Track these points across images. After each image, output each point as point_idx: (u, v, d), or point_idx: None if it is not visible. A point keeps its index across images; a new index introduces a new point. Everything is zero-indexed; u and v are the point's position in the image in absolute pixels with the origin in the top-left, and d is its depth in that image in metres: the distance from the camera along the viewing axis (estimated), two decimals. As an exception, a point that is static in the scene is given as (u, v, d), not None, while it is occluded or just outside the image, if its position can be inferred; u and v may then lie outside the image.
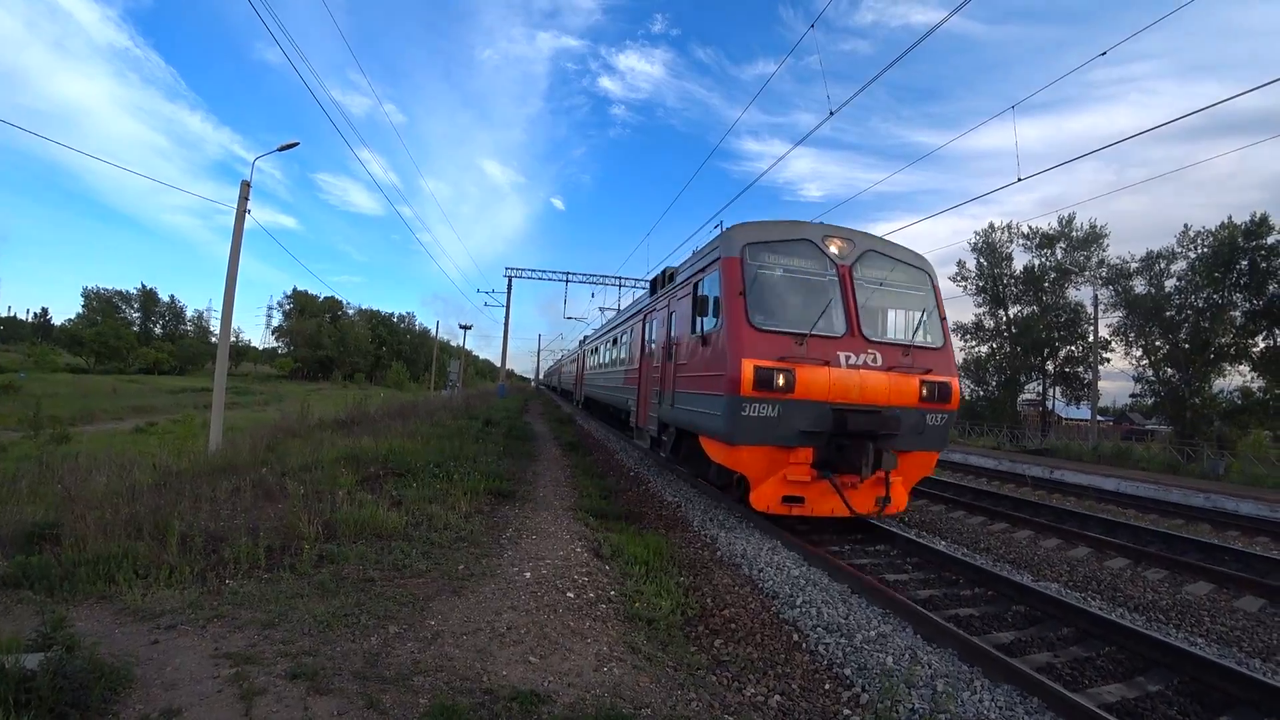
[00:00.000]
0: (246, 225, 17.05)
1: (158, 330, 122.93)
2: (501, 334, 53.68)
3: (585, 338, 36.50)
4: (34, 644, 3.84)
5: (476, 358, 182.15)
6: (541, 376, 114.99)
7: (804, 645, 5.03)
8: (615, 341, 21.08)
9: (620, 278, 49.80)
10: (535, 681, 4.20)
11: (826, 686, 4.49)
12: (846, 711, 4.20)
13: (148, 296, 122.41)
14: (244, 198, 17.01)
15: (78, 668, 3.52)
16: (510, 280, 51.53)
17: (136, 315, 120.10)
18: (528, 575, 6.21)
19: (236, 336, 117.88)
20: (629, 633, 5.11)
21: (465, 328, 57.45)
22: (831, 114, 11.09)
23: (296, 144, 18.51)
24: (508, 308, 52.84)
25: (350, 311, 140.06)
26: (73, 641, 3.76)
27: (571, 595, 5.78)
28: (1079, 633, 5.69)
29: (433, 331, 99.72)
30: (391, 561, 6.25)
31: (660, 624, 5.28)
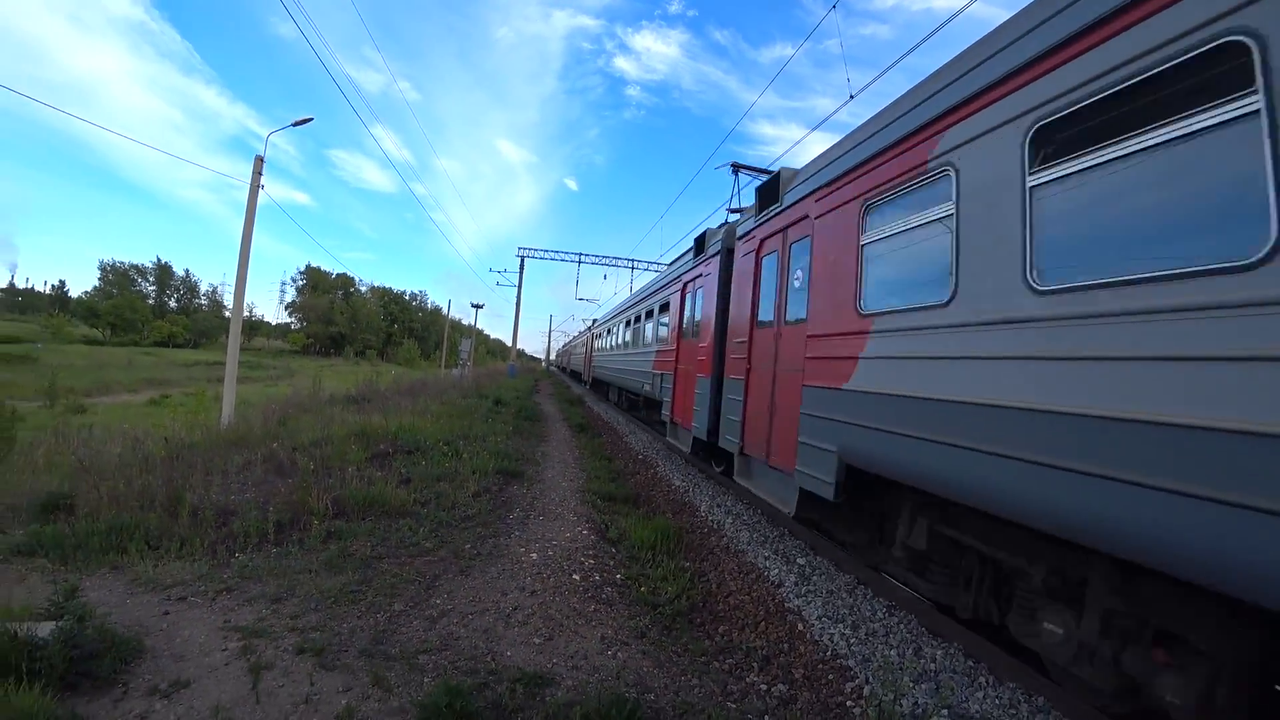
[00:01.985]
0: (260, 200, 17.07)
1: (172, 304, 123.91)
2: (513, 313, 53.86)
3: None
4: (46, 613, 3.89)
5: (488, 337, 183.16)
6: (553, 357, 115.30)
7: (808, 635, 5.02)
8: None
9: (633, 260, 49.63)
10: (540, 663, 4.22)
11: (830, 678, 4.48)
12: (849, 703, 4.20)
13: (163, 270, 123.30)
14: (257, 173, 17.00)
15: (89, 637, 3.56)
16: (523, 260, 51.51)
17: (152, 289, 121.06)
18: (534, 556, 6.23)
19: (250, 311, 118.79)
20: (634, 617, 5.12)
21: (477, 306, 57.31)
22: (851, 98, 10.90)
23: (310, 120, 18.47)
24: (519, 287, 52.91)
25: (363, 288, 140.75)
26: (84, 611, 3.80)
27: (577, 578, 5.80)
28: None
29: (444, 310, 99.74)
30: (399, 539, 6.29)
31: (665, 609, 5.29)
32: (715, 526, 7.95)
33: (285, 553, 5.77)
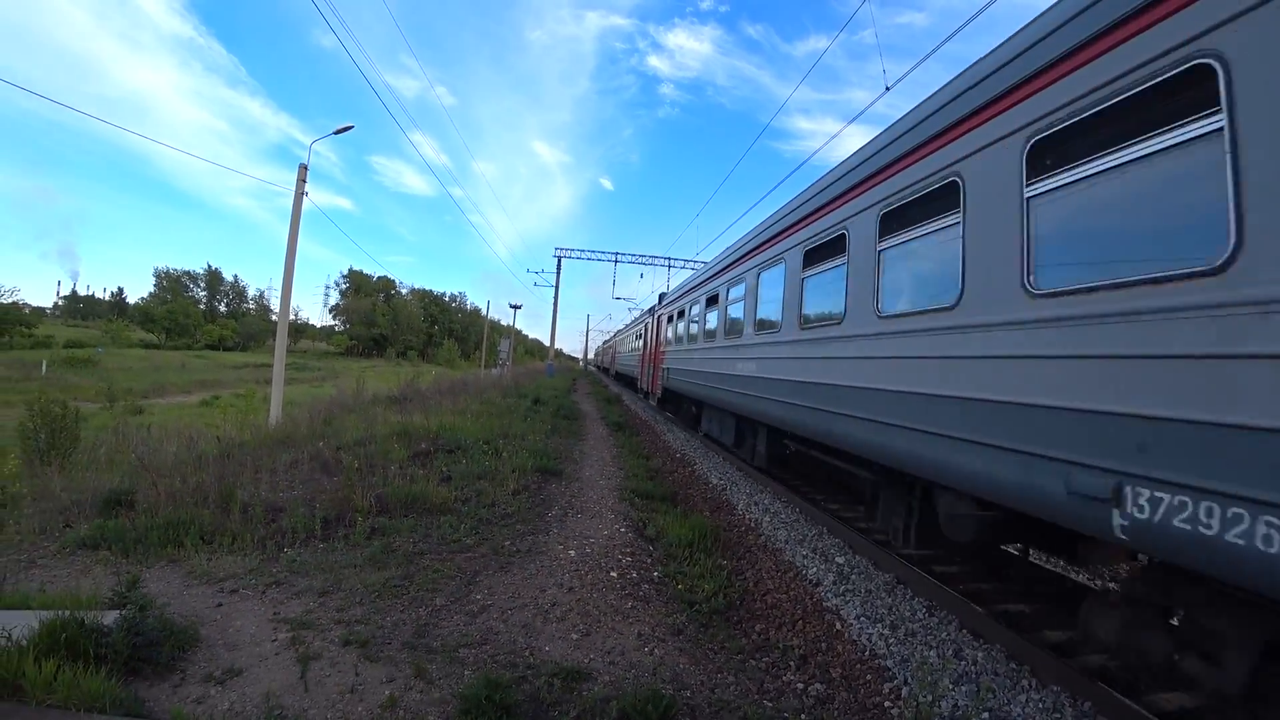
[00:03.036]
0: (304, 207, 17.58)
1: (222, 308, 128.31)
2: (550, 313, 54.37)
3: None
4: (110, 602, 4.09)
5: (526, 336, 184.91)
6: (591, 356, 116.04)
7: (846, 634, 4.98)
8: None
9: (669, 259, 49.71)
10: (577, 659, 4.28)
11: (867, 678, 4.45)
12: (887, 704, 4.16)
13: (213, 276, 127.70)
14: (301, 180, 17.51)
15: (150, 626, 3.74)
16: (559, 260, 51.99)
17: (203, 294, 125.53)
18: (573, 553, 6.31)
19: (295, 314, 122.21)
20: (671, 614, 5.15)
21: (515, 307, 58.38)
22: (887, 89, 10.73)
23: (351, 127, 18.94)
24: (556, 287, 53.34)
25: (403, 291, 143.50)
26: (145, 601, 3.99)
27: (615, 575, 5.85)
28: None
29: (483, 310, 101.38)
30: (440, 535, 6.42)
31: (702, 606, 5.31)
32: (752, 525, 7.93)
33: (331, 548, 5.94)
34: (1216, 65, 3.01)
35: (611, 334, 64.10)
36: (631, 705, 3.61)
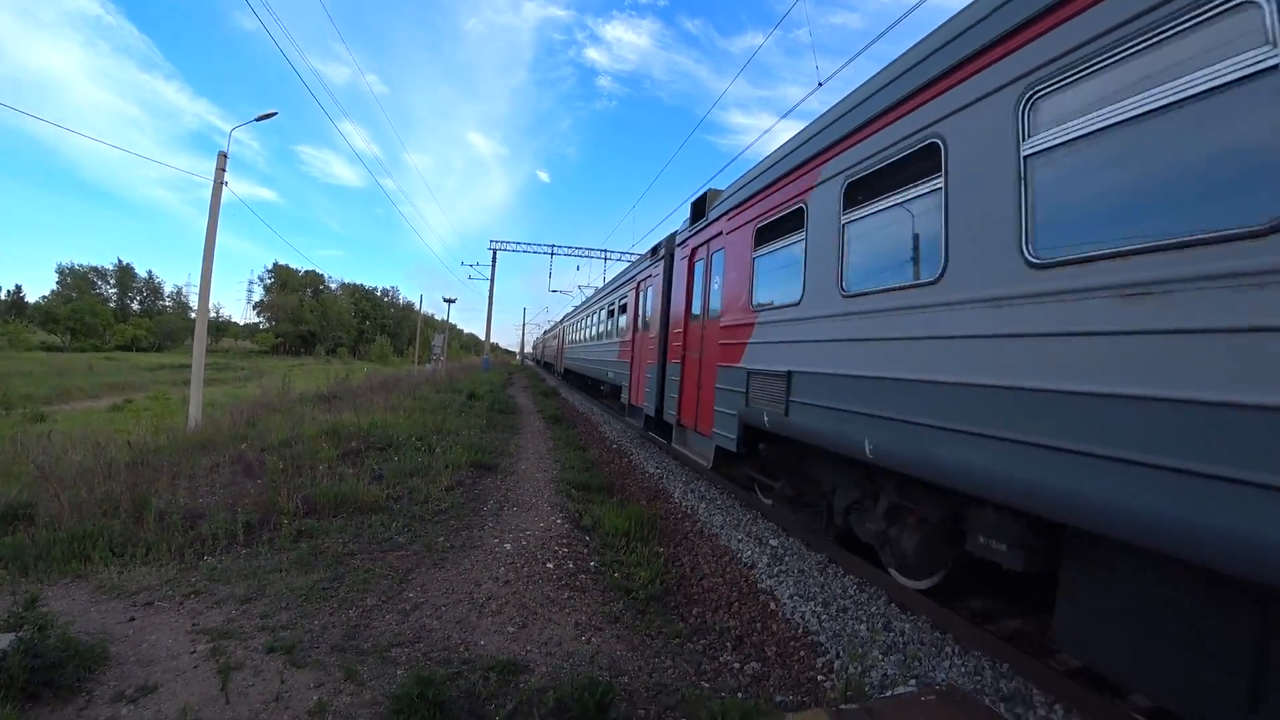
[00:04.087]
0: (225, 198, 16.74)
1: (135, 306, 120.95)
2: (486, 307, 53.51)
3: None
4: (6, 624, 3.82)
5: (461, 331, 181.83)
6: (528, 350, 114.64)
7: (780, 614, 5.10)
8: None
9: (606, 250, 49.59)
10: (514, 651, 4.25)
11: (801, 654, 4.57)
12: (820, 677, 4.28)
13: (124, 272, 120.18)
14: (221, 169, 16.66)
15: (50, 647, 3.51)
16: (494, 253, 51.16)
17: (113, 291, 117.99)
18: (508, 547, 6.25)
19: (216, 312, 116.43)
20: (608, 602, 5.16)
21: (449, 301, 56.88)
22: (820, 85, 10.94)
23: (274, 114, 18.11)
24: (492, 280, 52.51)
25: (333, 286, 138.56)
26: (45, 621, 3.74)
27: (551, 566, 5.83)
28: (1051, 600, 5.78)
29: (416, 305, 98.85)
30: (371, 535, 6.26)
31: (639, 593, 5.34)
32: (689, 512, 8.02)
33: (255, 553, 5.71)
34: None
35: (555, 322, 57.22)
36: (568, 694, 3.61)
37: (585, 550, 6.39)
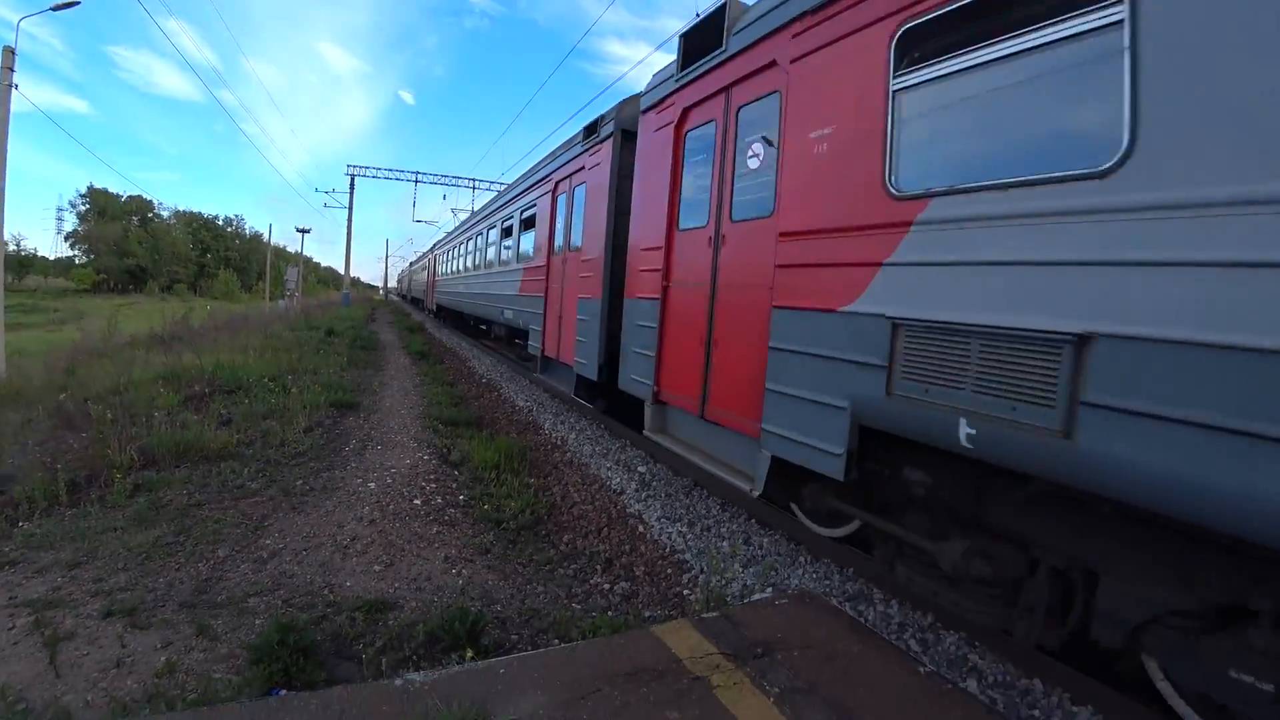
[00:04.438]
0: (16, 104, 14.34)
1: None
2: (344, 238, 50.00)
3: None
4: None
5: (318, 265, 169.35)
6: (392, 284, 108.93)
7: (648, 535, 5.35)
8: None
9: (474, 180, 47.35)
10: (381, 590, 4.22)
11: (668, 571, 4.83)
12: (686, 592, 4.56)
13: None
14: (9, 68, 14.18)
15: None
16: (353, 179, 47.66)
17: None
18: (372, 486, 6.10)
19: (16, 245, 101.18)
20: (478, 535, 5.20)
21: (303, 231, 52.48)
22: (698, 15, 10.70)
23: (77, 2, 15.43)
24: (350, 209, 49.04)
25: (165, 214, 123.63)
26: None
27: (419, 502, 5.76)
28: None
29: (266, 236, 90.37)
30: (221, 483, 5.90)
31: (510, 524, 5.41)
32: (559, 443, 8.13)
33: (83, 514, 5.23)
34: None
35: (422, 252, 49.79)
36: (439, 626, 3.65)
37: (454, 485, 6.35)
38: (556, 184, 10.43)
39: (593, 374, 7.95)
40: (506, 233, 14.36)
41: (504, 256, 14.62)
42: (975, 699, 2.83)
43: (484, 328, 18.55)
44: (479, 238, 18.17)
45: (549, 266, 10.47)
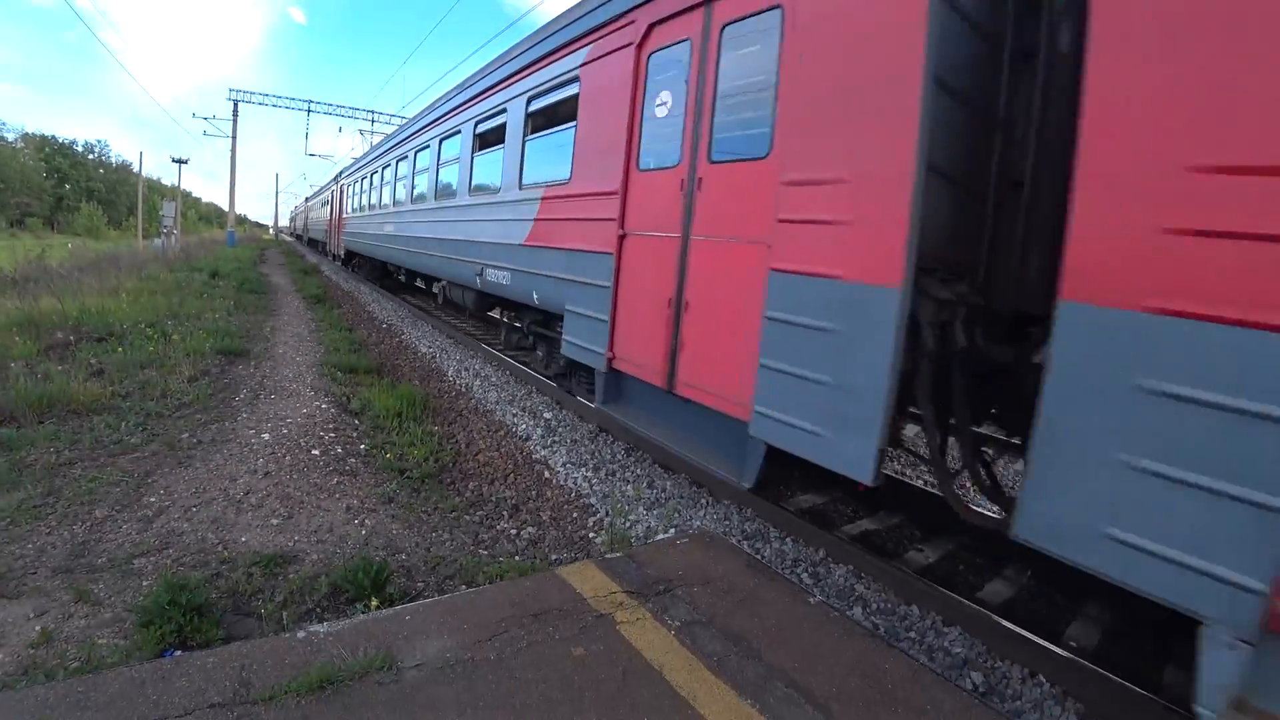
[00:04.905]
0: None
1: None
2: (229, 171, 46.06)
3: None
4: None
5: (199, 200, 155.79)
6: (285, 223, 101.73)
7: (554, 480, 5.44)
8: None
9: (373, 111, 44.43)
10: (280, 543, 4.12)
11: (574, 515, 4.95)
12: (591, 535, 4.70)
13: None
14: None
15: None
16: (236, 105, 43.68)
17: None
18: (266, 437, 5.86)
19: None
20: (381, 484, 5.13)
21: (180, 162, 47.92)
22: None
23: None
24: (234, 138, 45.13)
25: (9, 136, 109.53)
26: None
27: (317, 453, 5.60)
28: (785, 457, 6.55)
29: (136, 166, 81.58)
30: (95, 439, 5.49)
31: (414, 473, 5.36)
32: (464, 389, 8.04)
33: (-74, 480, 4.77)
34: None
35: (320, 187, 41.12)
36: (342, 576, 3.63)
37: (354, 434, 6.20)
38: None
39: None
40: (477, 144, 9.38)
41: (469, 181, 9.62)
42: (859, 624, 3.10)
43: (465, 306, 10.94)
44: (409, 160, 13.44)
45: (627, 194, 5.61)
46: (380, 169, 16.99)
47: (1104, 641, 3.48)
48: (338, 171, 25.30)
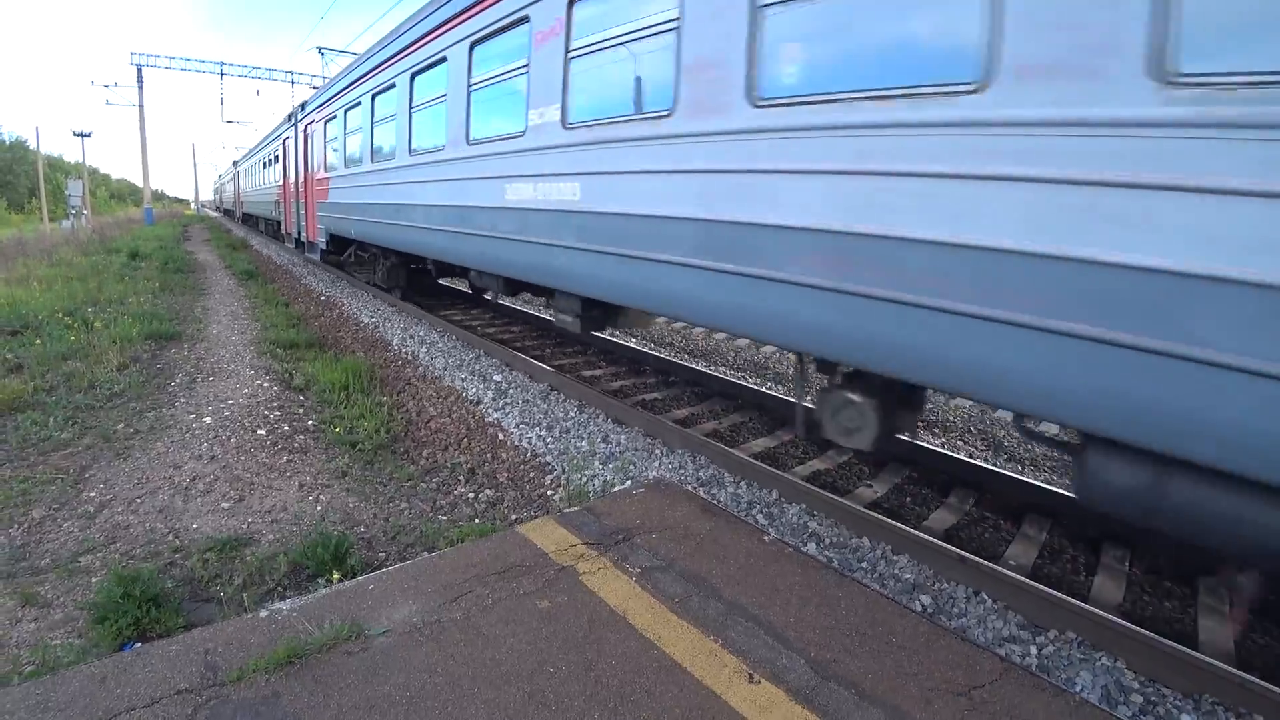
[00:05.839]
0: None
1: None
2: (139, 144, 42.83)
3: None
4: None
5: (108, 177, 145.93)
6: (206, 197, 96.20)
7: (509, 442, 5.45)
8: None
9: (292, 72, 41.87)
10: (234, 527, 4.07)
11: (531, 475, 4.99)
12: (549, 493, 4.75)
13: None
14: None
15: None
16: (140, 70, 40.26)
17: None
18: (208, 420, 5.70)
19: None
20: (333, 459, 5.08)
21: (82, 136, 44.46)
22: None
23: None
24: (141, 107, 41.81)
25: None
26: None
27: (263, 432, 5.49)
28: (738, 404, 6.75)
29: (33, 143, 75.27)
30: (21, 438, 5.26)
31: (365, 445, 5.31)
32: (410, 358, 7.92)
33: None
34: None
35: (249, 150, 35.07)
36: (301, 554, 3.62)
37: (300, 410, 6.08)
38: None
39: None
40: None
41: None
42: (813, 558, 3.26)
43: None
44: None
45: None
46: (427, 69, 8.03)
47: (1040, 559, 3.77)
48: (299, 104, 16.77)
